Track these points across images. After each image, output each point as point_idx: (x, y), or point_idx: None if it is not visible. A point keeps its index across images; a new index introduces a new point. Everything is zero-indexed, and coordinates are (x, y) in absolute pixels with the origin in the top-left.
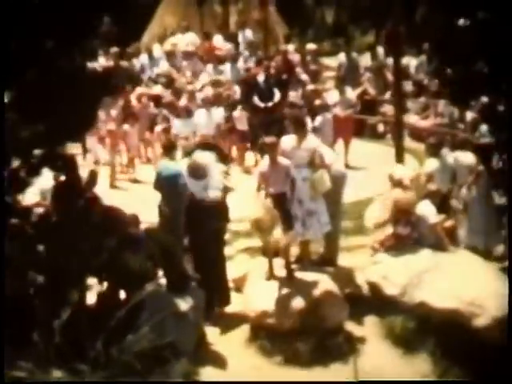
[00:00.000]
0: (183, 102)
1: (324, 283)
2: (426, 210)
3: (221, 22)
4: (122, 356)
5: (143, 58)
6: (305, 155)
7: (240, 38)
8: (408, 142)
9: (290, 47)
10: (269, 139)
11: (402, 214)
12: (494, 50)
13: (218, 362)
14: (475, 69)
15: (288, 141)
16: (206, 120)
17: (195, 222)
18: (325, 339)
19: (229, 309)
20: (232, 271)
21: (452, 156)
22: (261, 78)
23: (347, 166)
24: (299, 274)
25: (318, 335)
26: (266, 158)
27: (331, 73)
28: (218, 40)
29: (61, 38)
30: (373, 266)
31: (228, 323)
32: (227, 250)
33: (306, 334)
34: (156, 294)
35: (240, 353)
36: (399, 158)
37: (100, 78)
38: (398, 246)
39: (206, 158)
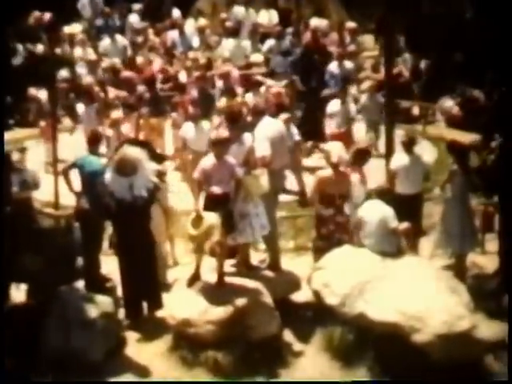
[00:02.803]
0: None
1: (254, 291)
2: (368, 211)
3: None
4: None
5: (174, 34)
6: (238, 153)
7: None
8: (443, 129)
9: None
10: (221, 134)
11: (324, 195)
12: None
13: (134, 373)
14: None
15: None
16: (196, 135)
17: (120, 222)
18: (251, 351)
19: (158, 314)
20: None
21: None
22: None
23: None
24: (231, 280)
25: (242, 347)
26: (210, 154)
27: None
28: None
29: None
30: (316, 272)
31: (153, 330)
32: None
33: (230, 344)
34: (63, 299)
35: (159, 363)
36: (389, 147)
37: (28, 66)
38: (321, 228)
39: (137, 153)
